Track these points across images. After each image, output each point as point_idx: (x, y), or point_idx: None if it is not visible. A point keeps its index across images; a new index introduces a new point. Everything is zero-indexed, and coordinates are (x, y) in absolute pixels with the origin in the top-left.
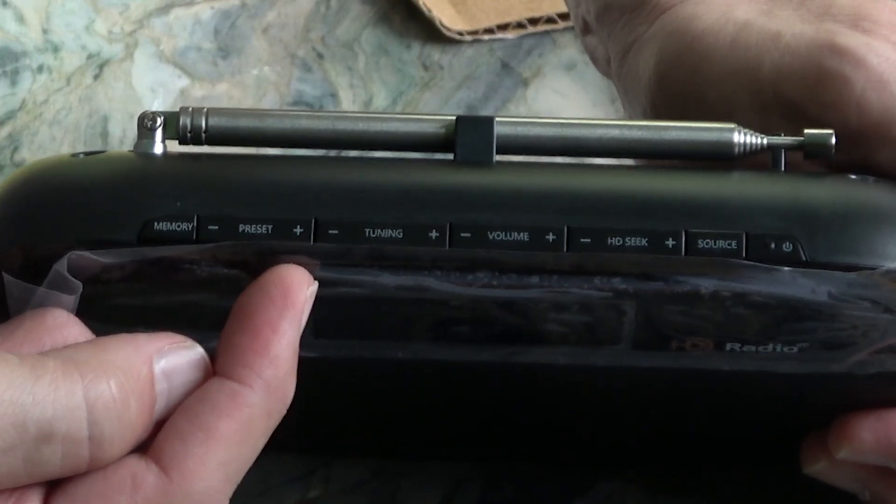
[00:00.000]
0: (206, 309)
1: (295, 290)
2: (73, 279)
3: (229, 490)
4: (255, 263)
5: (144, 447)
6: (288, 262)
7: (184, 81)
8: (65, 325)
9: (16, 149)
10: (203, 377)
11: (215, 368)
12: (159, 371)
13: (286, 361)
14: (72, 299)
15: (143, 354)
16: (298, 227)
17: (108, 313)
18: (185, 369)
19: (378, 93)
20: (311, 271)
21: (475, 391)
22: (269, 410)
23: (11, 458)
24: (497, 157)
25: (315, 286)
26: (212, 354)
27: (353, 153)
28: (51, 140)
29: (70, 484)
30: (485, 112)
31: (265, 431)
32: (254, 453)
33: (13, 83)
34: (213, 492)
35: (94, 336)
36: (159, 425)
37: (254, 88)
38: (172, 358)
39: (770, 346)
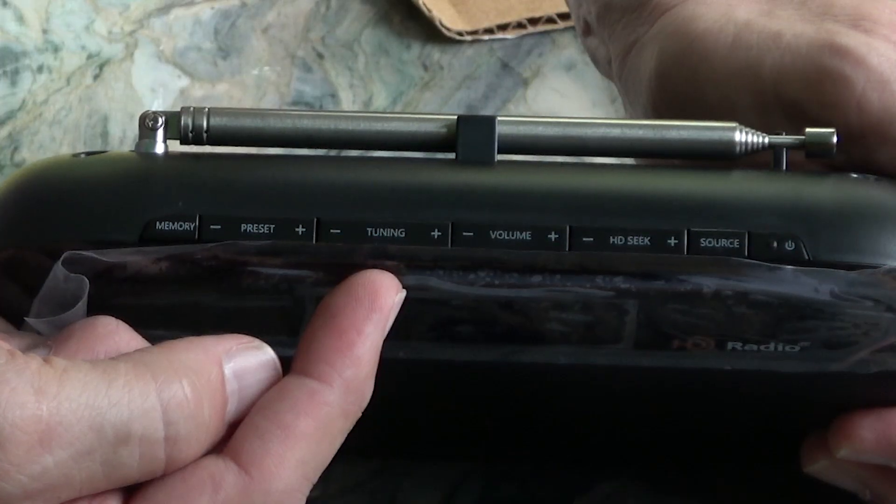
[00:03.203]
0: (209, 309)
1: (383, 295)
2: (79, 276)
3: (306, 489)
4: (258, 263)
5: (219, 449)
6: (373, 266)
7: (184, 81)
8: (116, 332)
9: (16, 149)
10: (273, 378)
11: (294, 366)
12: (229, 372)
13: (367, 364)
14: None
15: (213, 356)
16: (301, 226)
17: (111, 313)
18: (255, 370)
19: (378, 93)
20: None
21: (476, 390)
22: (346, 411)
23: (90, 461)
24: (498, 157)
25: (403, 294)
26: None
27: (355, 153)
28: (51, 140)
29: (148, 488)
30: (485, 112)
31: (342, 431)
32: (330, 453)
33: (13, 83)
34: (291, 490)
35: (145, 342)
36: (232, 428)
37: (254, 88)
38: (241, 359)
39: (772, 345)
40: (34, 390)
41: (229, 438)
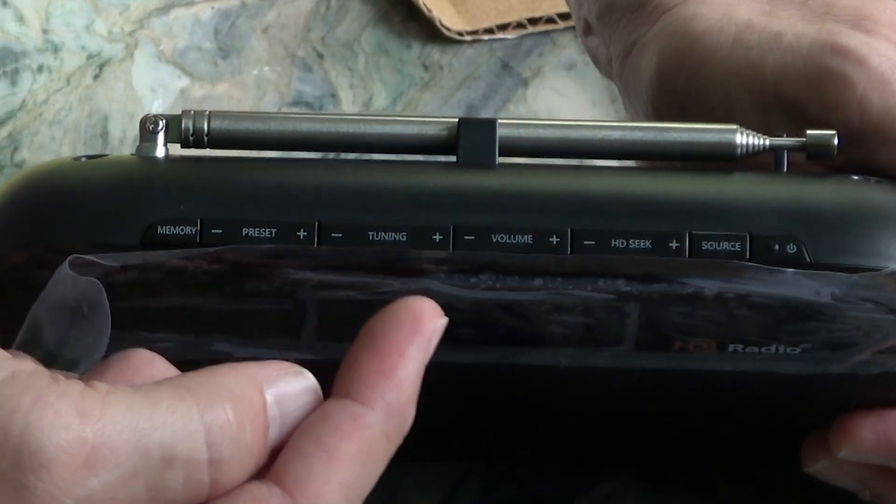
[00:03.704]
0: (209, 313)
1: (426, 319)
2: (89, 279)
3: None
4: (259, 267)
5: (261, 476)
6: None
7: (184, 81)
8: (152, 363)
9: (16, 149)
10: (314, 403)
11: (336, 389)
12: (271, 397)
13: (409, 387)
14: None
15: (254, 381)
16: (302, 230)
17: (112, 316)
18: (296, 395)
19: (378, 93)
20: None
21: (478, 392)
22: (388, 434)
23: (135, 485)
24: (499, 160)
25: (445, 321)
26: (214, 359)
27: (356, 156)
28: (51, 140)
29: None
30: (485, 112)
31: (385, 455)
32: (374, 477)
33: (13, 83)
34: None
35: (180, 373)
36: (273, 455)
37: (254, 89)
38: (282, 384)
39: (773, 348)
40: (78, 413)
41: (271, 466)
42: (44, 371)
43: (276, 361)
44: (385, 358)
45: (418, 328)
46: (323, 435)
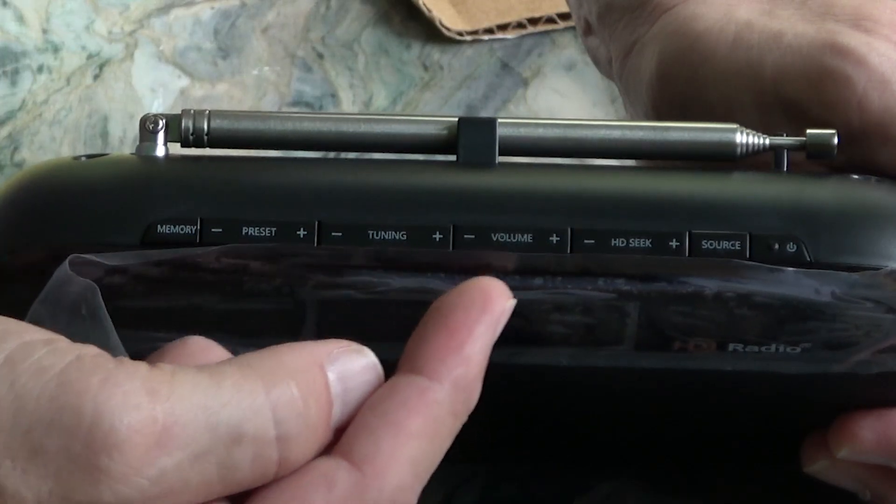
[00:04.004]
0: (210, 312)
1: (496, 299)
2: (87, 280)
3: (418, 489)
4: (259, 266)
5: (327, 453)
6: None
7: (184, 81)
8: (208, 349)
9: (16, 149)
10: (375, 381)
11: (403, 365)
12: (333, 375)
13: (477, 365)
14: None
15: (316, 359)
16: (302, 229)
17: (113, 316)
18: (358, 372)
19: (378, 93)
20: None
21: None
22: (455, 410)
23: (206, 463)
24: (499, 159)
25: (514, 302)
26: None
27: (356, 155)
28: (51, 140)
29: (261, 491)
30: (485, 112)
31: (451, 431)
32: (440, 453)
33: (13, 83)
34: (404, 488)
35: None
36: (337, 434)
37: (254, 88)
38: (344, 362)
39: (773, 347)
40: (147, 392)
41: (335, 444)
42: (108, 354)
43: (335, 340)
44: (454, 335)
45: (488, 307)
46: (390, 410)
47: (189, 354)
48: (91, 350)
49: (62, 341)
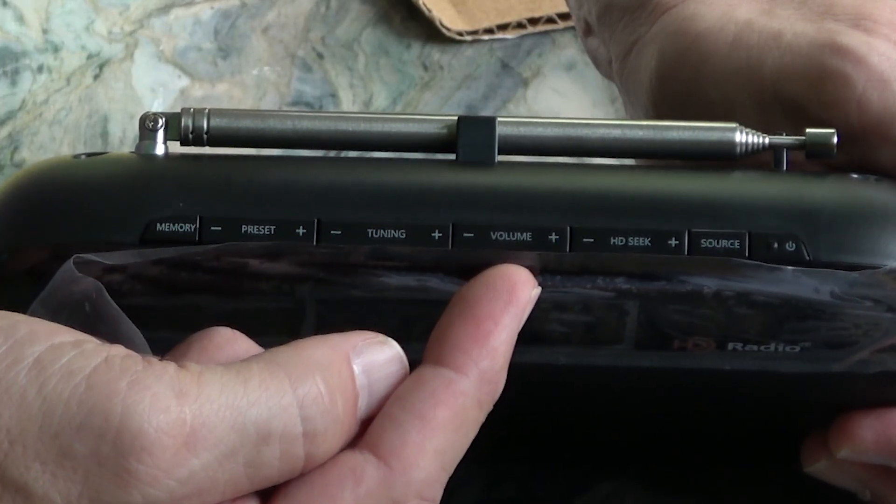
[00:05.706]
0: (209, 310)
1: (520, 288)
2: (89, 278)
3: (445, 479)
4: (258, 264)
5: (353, 445)
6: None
7: (184, 81)
8: (234, 340)
9: (16, 149)
10: (401, 372)
11: (428, 356)
12: (358, 368)
13: (502, 355)
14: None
15: (341, 352)
16: (301, 227)
17: None
18: (383, 364)
19: (378, 93)
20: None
21: None
22: (480, 401)
23: (234, 463)
24: (499, 158)
25: (538, 290)
26: None
27: (355, 154)
28: (51, 140)
29: (288, 487)
30: (485, 112)
31: (476, 422)
32: (466, 443)
33: (13, 83)
34: (431, 480)
35: (262, 350)
36: (363, 425)
37: (254, 88)
38: (369, 354)
39: (772, 346)
40: (175, 394)
41: (362, 436)
42: (136, 355)
43: (360, 332)
44: (479, 325)
45: (513, 296)
46: (416, 402)
47: (215, 346)
48: (119, 351)
49: (90, 342)
